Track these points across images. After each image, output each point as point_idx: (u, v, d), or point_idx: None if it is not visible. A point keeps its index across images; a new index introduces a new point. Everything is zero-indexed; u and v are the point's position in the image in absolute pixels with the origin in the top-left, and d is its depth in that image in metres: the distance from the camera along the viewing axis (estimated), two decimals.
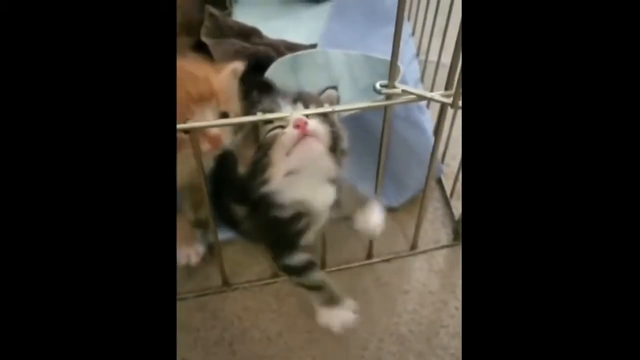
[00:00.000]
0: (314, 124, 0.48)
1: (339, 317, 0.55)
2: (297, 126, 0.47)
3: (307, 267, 0.56)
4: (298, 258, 0.56)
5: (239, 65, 0.57)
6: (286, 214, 0.52)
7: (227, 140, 0.52)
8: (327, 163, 0.50)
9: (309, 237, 0.55)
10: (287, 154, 0.48)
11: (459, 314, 0.61)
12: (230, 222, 0.63)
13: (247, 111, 0.53)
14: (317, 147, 0.48)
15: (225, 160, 0.54)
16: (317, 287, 0.56)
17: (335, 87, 0.55)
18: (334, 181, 0.52)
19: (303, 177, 0.50)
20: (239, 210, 0.58)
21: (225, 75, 0.56)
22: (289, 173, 0.49)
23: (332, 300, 0.55)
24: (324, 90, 0.54)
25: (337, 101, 0.54)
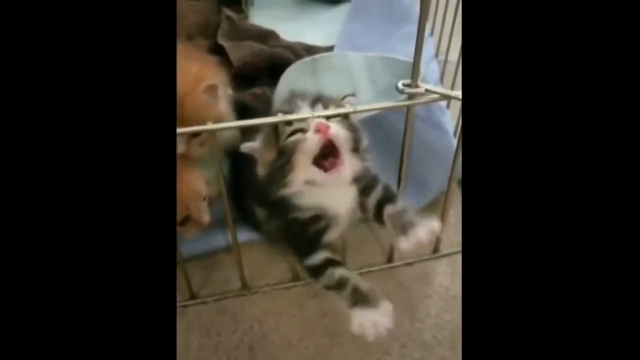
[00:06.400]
0: (335, 128, 0.47)
1: (371, 320, 0.47)
2: (318, 130, 0.46)
3: (326, 264, 0.52)
4: (317, 257, 0.53)
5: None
6: (305, 215, 0.52)
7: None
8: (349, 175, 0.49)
9: (330, 237, 0.54)
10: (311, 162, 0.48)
11: None
12: (252, 222, 0.63)
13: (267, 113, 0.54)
14: (345, 174, 0.48)
15: (242, 161, 0.54)
16: (340, 285, 0.50)
17: (353, 95, 0.55)
18: (355, 181, 0.52)
19: (323, 187, 0.49)
20: (261, 213, 0.58)
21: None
22: (309, 182, 0.49)
23: (363, 301, 0.49)
24: (343, 98, 0.53)
25: None
